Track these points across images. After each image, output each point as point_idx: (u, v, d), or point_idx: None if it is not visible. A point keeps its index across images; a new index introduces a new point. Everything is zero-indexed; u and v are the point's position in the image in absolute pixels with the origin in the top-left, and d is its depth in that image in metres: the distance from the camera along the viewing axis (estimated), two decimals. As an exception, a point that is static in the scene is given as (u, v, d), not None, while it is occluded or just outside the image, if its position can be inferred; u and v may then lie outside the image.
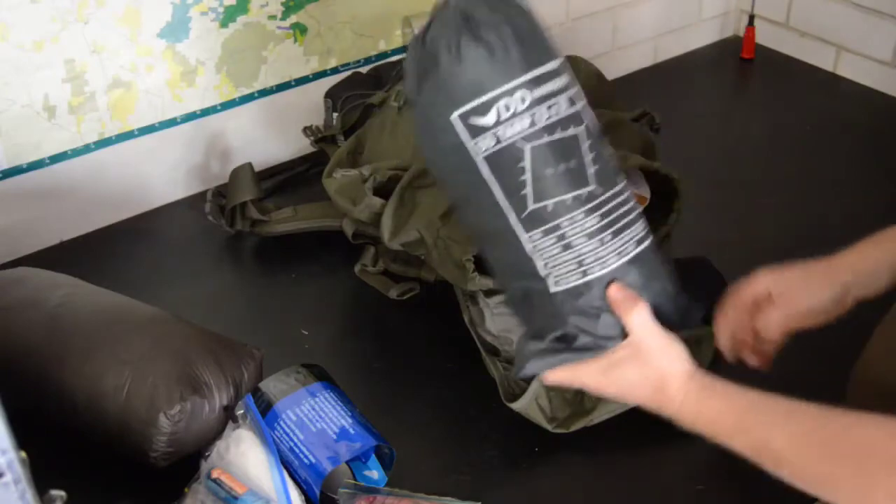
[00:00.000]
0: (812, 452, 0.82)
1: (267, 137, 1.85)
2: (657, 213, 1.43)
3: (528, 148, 0.93)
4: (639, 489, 1.23)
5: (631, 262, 0.98)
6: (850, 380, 1.05)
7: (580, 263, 0.96)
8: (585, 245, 0.96)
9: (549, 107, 0.94)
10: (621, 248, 0.97)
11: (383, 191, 1.45)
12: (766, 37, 2.24)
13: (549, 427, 1.27)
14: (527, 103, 0.93)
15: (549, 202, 0.95)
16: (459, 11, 0.93)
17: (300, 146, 1.86)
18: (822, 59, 2.18)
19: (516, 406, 1.28)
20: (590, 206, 0.96)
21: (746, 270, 1.55)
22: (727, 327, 1.12)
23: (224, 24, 1.71)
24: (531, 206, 0.95)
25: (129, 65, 1.64)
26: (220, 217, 1.65)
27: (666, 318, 0.99)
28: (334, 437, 1.16)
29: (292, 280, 1.60)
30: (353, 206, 1.47)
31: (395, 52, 1.94)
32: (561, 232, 0.95)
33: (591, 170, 0.96)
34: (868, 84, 2.11)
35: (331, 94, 1.79)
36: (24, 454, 0.66)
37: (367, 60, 1.91)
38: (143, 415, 1.17)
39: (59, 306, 1.28)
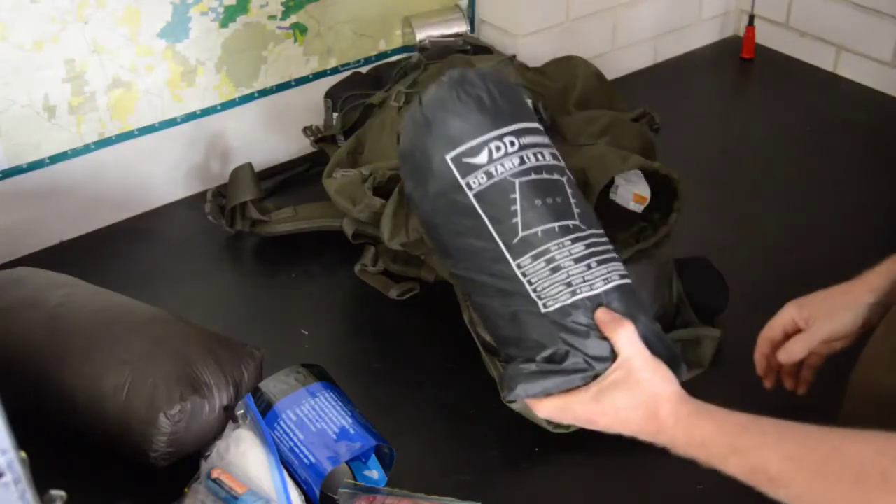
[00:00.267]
0: (806, 474, 0.83)
1: (267, 137, 1.85)
2: (657, 213, 1.43)
3: (517, 182, 1.02)
4: (639, 489, 1.23)
5: (616, 289, 1.01)
6: (848, 384, 1.06)
7: (569, 284, 1.00)
8: (573, 268, 1.00)
9: (536, 154, 1.04)
10: (607, 276, 1.01)
11: (383, 191, 1.45)
12: (766, 37, 2.24)
13: (549, 427, 1.27)
14: (516, 147, 1.03)
15: (538, 229, 1.01)
16: (453, 77, 1.06)
17: (300, 146, 1.86)
18: (822, 59, 2.18)
19: (516, 406, 1.28)
20: (575, 235, 1.02)
21: (746, 270, 1.56)
22: (763, 359, 1.17)
23: (224, 24, 1.71)
24: (521, 234, 1.01)
25: (129, 65, 1.64)
26: (220, 217, 1.65)
27: (654, 352, 1.00)
28: (334, 437, 1.16)
29: (292, 280, 1.61)
30: (353, 206, 1.47)
31: (395, 52, 1.94)
32: (550, 255, 1.00)
33: (575, 210, 1.03)
34: (868, 84, 2.11)
35: (331, 94, 1.79)
36: (24, 454, 0.66)
37: (367, 60, 1.91)
38: (143, 415, 1.17)
39: (59, 306, 1.29)
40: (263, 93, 1.81)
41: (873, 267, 1.10)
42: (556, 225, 1.01)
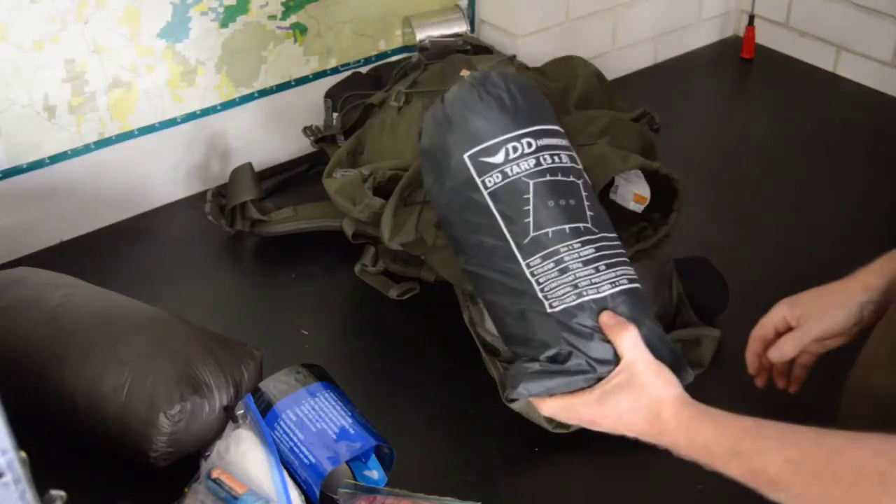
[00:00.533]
0: (805, 476, 0.84)
1: (267, 137, 1.85)
2: (657, 213, 1.43)
3: (532, 183, 1.03)
4: (639, 489, 1.23)
5: (623, 293, 1.02)
6: (846, 385, 1.06)
7: (575, 286, 1.01)
8: (581, 270, 1.01)
9: (552, 156, 1.06)
10: (614, 280, 1.02)
11: (383, 191, 1.45)
12: (766, 37, 2.24)
13: (549, 427, 1.27)
14: (532, 148, 1.05)
15: (549, 230, 1.02)
16: (475, 78, 1.09)
17: (300, 146, 1.86)
18: (822, 59, 2.18)
19: (516, 406, 1.28)
20: (586, 238, 1.03)
21: (746, 270, 1.56)
22: (755, 358, 1.17)
23: (224, 24, 1.71)
24: (532, 234, 1.02)
25: (129, 65, 1.64)
26: (220, 217, 1.65)
27: (657, 355, 1.00)
28: (334, 437, 1.16)
29: (292, 280, 1.61)
30: (353, 206, 1.47)
31: (395, 52, 1.94)
32: (559, 257, 1.01)
33: (588, 213, 1.05)
34: (868, 84, 2.10)
35: (331, 94, 1.79)
36: (24, 454, 0.66)
37: (367, 60, 1.91)
38: (143, 415, 1.17)
39: (59, 306, 1.28)
40: (263, 93, 1.81)
41: (867, 265, 1.10)
42: (567, 227, 1.02)
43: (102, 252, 1.65)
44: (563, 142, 1.09)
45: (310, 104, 1.84)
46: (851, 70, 2.13)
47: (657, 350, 1.00)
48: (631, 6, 2.11)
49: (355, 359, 1.45)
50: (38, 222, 1.64)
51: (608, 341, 0.99)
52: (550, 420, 1.27)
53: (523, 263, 1.02)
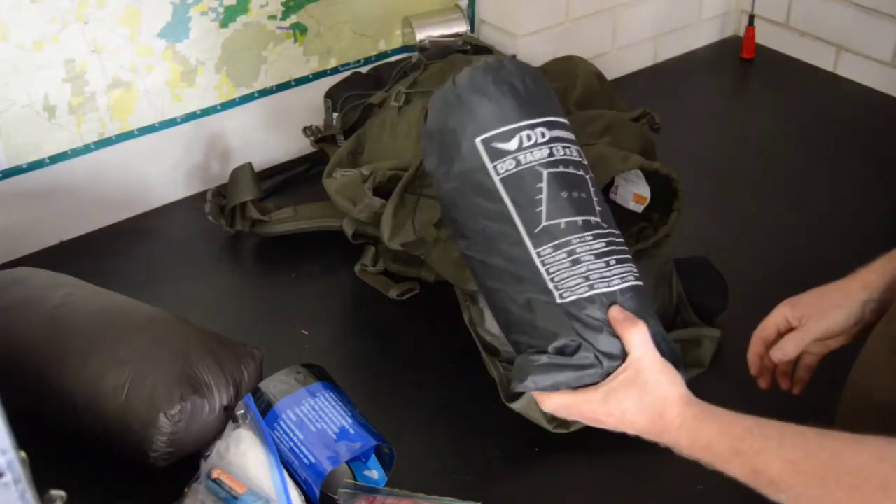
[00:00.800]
0: (805, 477, 0.83)
1: (267, 137, 1.85)
2: (657, 213, 1.43)
3: (546, 172, 1.02)
4: (639, 489, 1.23)
5: (631, 289, 1.01)
6: (845, 386, 1.06)
7: (587, 278, 1.00)
8: (593, 262, 1.01)
9: (564, 148, 1.05)
10: (623, 275, 1.02)
11: (383, 191, 1.45)
12: (766, 37, 2.24)
13: (549, 427, 1.27)
14: (546, 138, 1.04)
15: (562, 220, 1.01)
16: (489, 63, 1.07)
17: (300, 146, 1.86)
18: (822, 59, 2.18)
19: (516, 406, 1.28)
20: (597, 231, 1.02)
21: (746, 270, 1.56)
22: (757, 359, 1.16)
23: (224, 24, 1.71)
24: (544, 223, 1.01)
25: (129, 65, 1.64)
26: (220, 217, 1.65)
27: (661, 353, 1.00)
28: (334, 437, 1.16)
29: (292, 280, 1.61)
30: (353, 206, 1.47)
31: (395, 52, 1.94)
32: (571, 248, 1.00)
33: (597, 207, 1.04)
34: (868, 84, 2.11)
35: (331, 94, 1.79)
36: (24, 454, 0.66)
37: (367, 60, 1.91)
38: (143, 415, 1.17)
39: (59, 306, 1.28)
40: (263, 93, 1.81)
41: (867, 264, 1.10)
42: (579, 219, 1.02)
43: (102, 252, 1.65)
44: (572, 136, 1.08)
45: (310, 104, 1.85)
46: (851, 70, 2.13)
47: (660, 348, 1.00)
48: (631, 6, 2.11)
49: (355, 359, 1.45)
50: (38, 222, 1.64)
51: (616, 336, 0.98)
52: (551, 420, 1.27)
53: (533, 252, 1.01)
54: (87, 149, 1.65)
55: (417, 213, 1.41)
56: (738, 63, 2.24)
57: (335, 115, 1.77)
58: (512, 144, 1.03)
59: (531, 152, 1.03)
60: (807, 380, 1.16)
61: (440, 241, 1.38)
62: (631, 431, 0.98)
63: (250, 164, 1.65)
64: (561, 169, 1.03)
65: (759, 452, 0.87)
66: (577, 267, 1.00)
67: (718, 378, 1.36)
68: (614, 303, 1.00)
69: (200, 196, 1.73)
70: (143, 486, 1.21)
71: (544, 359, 0.99)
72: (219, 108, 1.77)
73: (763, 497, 0.87)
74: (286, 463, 1.17)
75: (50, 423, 1.24)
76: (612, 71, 2.01)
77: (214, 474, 1.14)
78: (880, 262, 1.09)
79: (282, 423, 1.18)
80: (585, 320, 0.99)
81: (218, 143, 1.80)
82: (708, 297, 1.46)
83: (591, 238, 1.01)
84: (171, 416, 1.16)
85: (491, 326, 1.36)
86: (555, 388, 0.99)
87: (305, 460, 1.15)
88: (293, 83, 1.84)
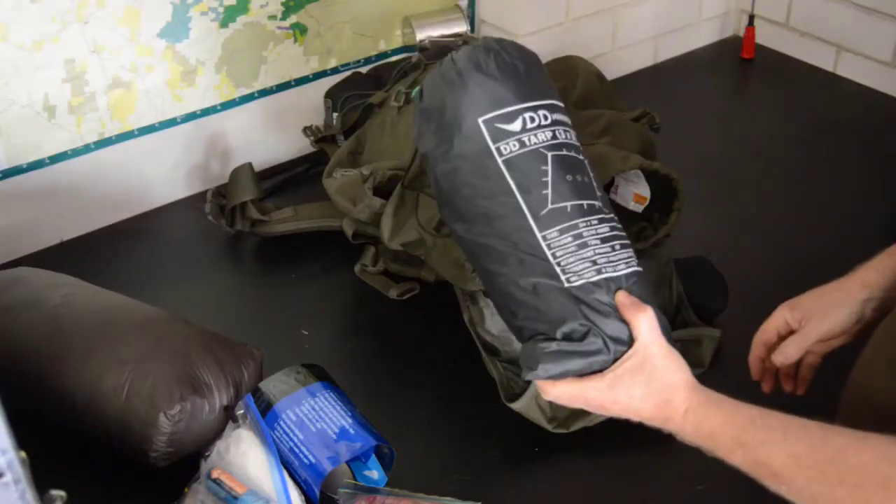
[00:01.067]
0: (808, 472, 0.83)
1: (267, 137, 1.85)
2: (657, 213, 1.43)
3: (550, 155, 1.01)
4: (639, 489, 1.23)
5: (636, 274, 1.01)
6: (845, 388, 1.05)
7: (594, 262, 0.99)
8: (600, 247, 1.00)
9: (566, 131, 1.04)
10: (627, 259, 1.01)
11: (383, 191, 1.45)
12: (766, 37, 2.24)
13: (549, 427, 1.27)
14: (549, 121, 1.03)
15: (568, 203, 1.00)
16: (489, 43, 1.05)
17: (300, 146, 1.86)
18: (822, 59, 2.18)
19: (516, 406, 1.28)
20: (601, 216, 1.02)
21: (746, 270, 1.56)
22: (758, 363, 1.16)
23: (224, 24, 1.71)
24: (550, 206, 1.00)
25: (129, 65, 1.64)
26: (220, 217, 1.65)
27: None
28: (334, 437, 1.16)
29: (292, 280, 1.61)
30: (353, 206, 1.47)
31: (395, 52, 1.94)
32: (578, 231, 1.00)
33: (598, 192, 1.04)
34: (868, 84, 2.11)
35: (331, 94, 1.79)
36: (24, 454, 0.66)
37: (367, 60, 1.91)
38: (143, 415, 1.17)
39: (59, 306, 1.29)
40: (263, 93, 1.81)
41: (865, 262, 1.09)
42: (584, 203, 1.01)
43: (102, 252, 1.66)
44: (570, 120, 1.07)
45: (310, 104, 1.85)
46: (851, 70, 2.13)
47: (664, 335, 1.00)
48: (631, 6, 2.11)
49: (355, 359, 1.45)
50: (38, 222, 1.64)
51: (623, 321, 0.97)
52: (550, 420, 1.27)
53: (539, 235, 0.99)
54: (87, 149, 1.65)
55: (419, 211, 1.41)
56: (738, 63, 2.24)
57: (335, 115, 1.77)
58: (515, 126, 1.01)
59: (535, 134, 1.01)
60: (810, 379, 1.16)
61: (440, 240, 1.38)
62: (636, 418, 0.97)
63: (250, 164, 1.65)
64: (564, 152, 1.02)
65: (762, 444, 0.87)
66: (584, 251, 0.99)
67: (718, 378, 1.36)
68: (620, 287, 0.99)
69: (200, 196, 1.73)
70: (143, 486, 1.21)
71: (554, 346, 0.98)
72: (219, 108, 1.77)
73: (763, 497, 0.87)
74: (286, 463, 1.17)
75: (50, 423, 1.24)
76: (612, 71, 2.01)
77: (214, 474, 1.14)
78: (879, 259, 1.08)
79: (282, 423, 1.18)
80: (594, 304, 0.98)
81: (218, 143, 1.80)
82: (708, 297, 1.46)
83: (596, 222, 1.00)
84: (171, 416, 1.16)
85: (491, 326, 1.36)
86: (564, 375, 0.98)
87: (305, 460, 1.15)
88: (293, 83, 1.84)
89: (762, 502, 0.88)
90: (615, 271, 0.99)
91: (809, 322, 1.09)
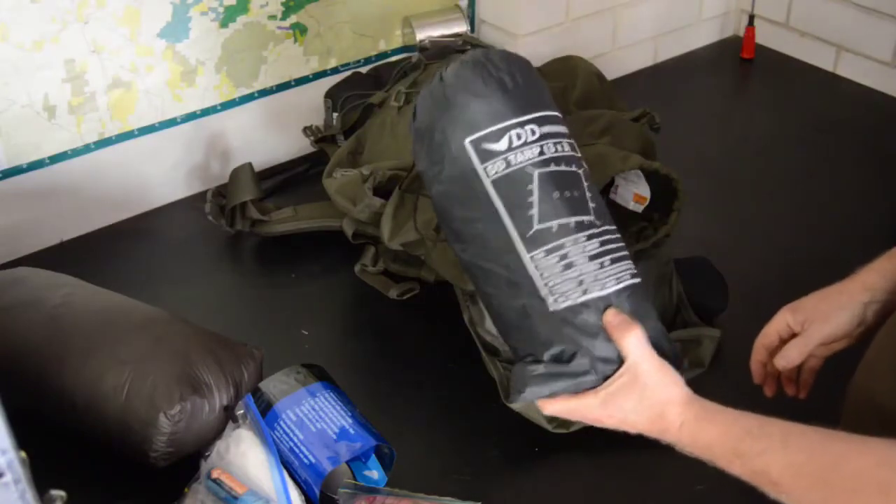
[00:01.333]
0: (807, 480, 0.83)
1: (267, 137, 1.85)
2: (657, 213, 1.43)
3: (536, 173, 1.00)
4: (639, 489, 1.23)
5: (627, 289, 1.01)
6: (848, 391, 1.05)
7: (580, 282, 0.99)
8: (586, 265, 0.99)
9: (556, 144, 1.03)
10: (618, 275, 1.01)
11: (383, 191, 1.45)
12: (766, 37, 2.24)
13: (549, 427, 1.27)
14: (536, 136, 1.01)
15: (554, 223, 1.00)
16: (477, 58, 1.04)
17: (300, 146, 1.86)
18: (822, 59, 2.18)
19: (516, 406, 1.28)
20: (590, 232, 1.01)
21: (746, 270, 1.56)
22: (760, 367, 1.15)
23: (224, 24, 1.71)
24: (536, 227, 1.00)
25: (129, 65, 1.64)
26: (220, 217, 1.65)
27: (660, 352, 0.99)
28: (334, 437, 1.16)
29: (292, 280, 1.61)
30: (353, 206, 1.47)
31: (395, 52, 1.94)
32: (564, 251, 0.99)
33: (591, 204, 1.02)
34: (868, 84, 2.11)
35: (331, 94, 1.79)
36: (24, 454, 0.66)
37: (367, 60, 1.91)
38: (143, 415, 1.17)
39: (59, 306, 1.28)
40: (263, 93, 1.81)
41: (866, 264, 1.09)
42: (572, 220, 1.00)
43: (102, 252, 1.66)
44: (563, 128, 1.06)
45: (310, 104, 1.85)
46: (851, 70, 2.13)
47: (660, 346, 1.00)
48: (631, 6, 2.11)
49: (355, 359, 1.45)
50: (38, 222, 1.64)
51: (612, 340, 0.98)
52: (550, 420, 1.27)
53: (526, 257, 0.99)
54: (87, 149, 1.65)
55: (418, 213, 1.41)
56: (738, 63, 2.24)
57: (335, 115, 1.77)
58: (501, 145, 1.01)
59: (521, 152, 1.01)
60: (812, 383, 1.16)
61: (440, 241, 1.38)
62: (633, 431, 0.98)
63: (250, 164, 1.65)
64: (552, 168, 1.01)
65: (760, 454, 0.87)
66: (570, 271, 0.99)
67: (718, 378, 1.36)
68: (609, 305, 0.99)
69: (200, 196, 1.73)
70: (143, 486, 1.21)
71: (541, 368, 0.99)
72: (219, 108, 1.77)
73: (763, 498, 0.87)
74: (286, 463, 1.17)
75: (50, 423, 1.24)
76: (612, 71, 2.01)
77: (214, 474, 1.14)
78: (880, 261, 1.08)
79: (282, 423, 1.18)
80: (580, 326, 0.98)
81: (218, 143, 1.80)
82: (708, 297, 1.46)
83: (584, 239, 1.00)
84: (171, 416, 1.16)
85: (491, 326, 1.36)
86: (553, 396, 0.99)
87: (305, 460, 1.15)
88: (293, 83, 1.84)
89: (762, 502, 0.88)
90: (602, 289, 0.99)
91: (811, 325, 1.09)
